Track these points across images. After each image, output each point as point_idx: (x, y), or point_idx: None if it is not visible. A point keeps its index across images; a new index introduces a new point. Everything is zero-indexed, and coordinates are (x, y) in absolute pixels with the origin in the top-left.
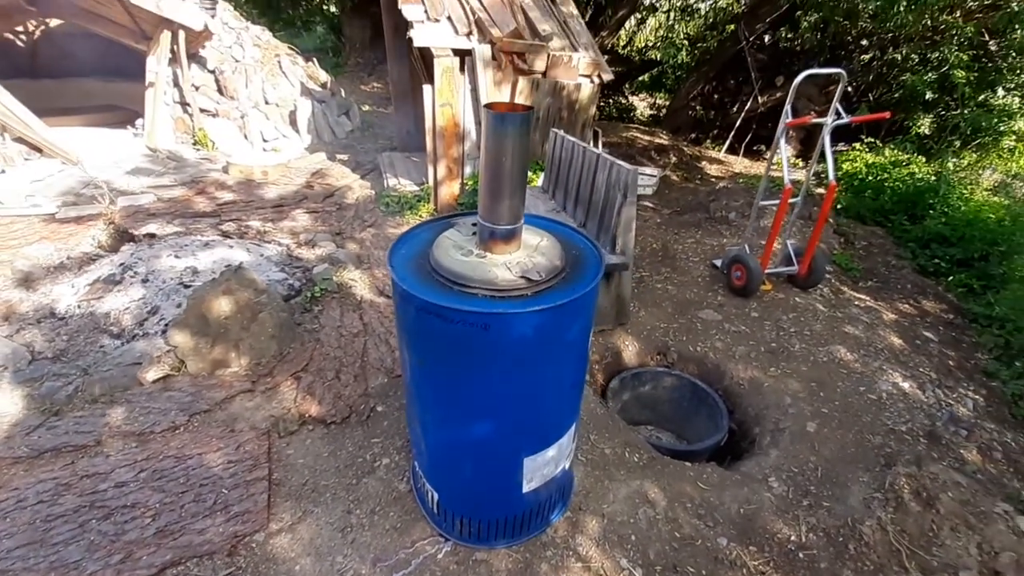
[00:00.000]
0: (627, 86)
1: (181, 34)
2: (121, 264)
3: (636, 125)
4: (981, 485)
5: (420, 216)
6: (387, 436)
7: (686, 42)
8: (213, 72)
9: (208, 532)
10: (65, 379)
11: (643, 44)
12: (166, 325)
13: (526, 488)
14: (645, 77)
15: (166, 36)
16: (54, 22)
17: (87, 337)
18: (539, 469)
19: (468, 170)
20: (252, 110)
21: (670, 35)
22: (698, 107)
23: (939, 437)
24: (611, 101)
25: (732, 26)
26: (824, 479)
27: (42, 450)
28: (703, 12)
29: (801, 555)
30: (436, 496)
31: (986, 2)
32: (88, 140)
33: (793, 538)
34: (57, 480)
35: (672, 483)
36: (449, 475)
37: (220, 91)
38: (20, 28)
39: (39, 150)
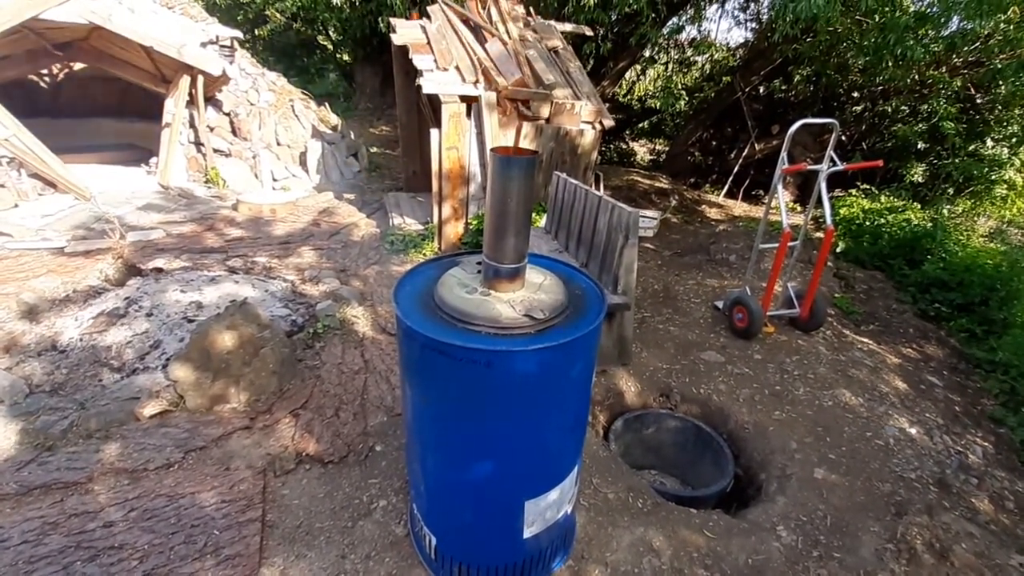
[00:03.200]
0: (628, 132)
1: (200, 79)
2: (126, 298)
3: (637, 169)
4: (995, 536)
5: (424, 254)
6: (385, 477)
7: (684, 92)
8: (228, 114)
9: None
10: (61, 413)
11: (643, 93)
12: (167, 359)
13: (527, 533)
14: (645, 124)
15: (185, 80)
16: (78, 66)
17: (87, 371)
18: (541, 513)
19: (472, 210)
20: (264, 151)
21: (669, 85)
22: (697, 153)
23: (949, 485)
24: (612, 146)
25: (728, 78)
26: (834, 528)
27: (31, 487)
28: (700, 64)
29: None
30: (434, 540)
31: (970, 59)
32: (102, 177)
33: None
34: (44, 519)
35: (677, 531)
36: (448, 517)
37: (234, 132)
38: (44, 71)
39: (54, 186)
